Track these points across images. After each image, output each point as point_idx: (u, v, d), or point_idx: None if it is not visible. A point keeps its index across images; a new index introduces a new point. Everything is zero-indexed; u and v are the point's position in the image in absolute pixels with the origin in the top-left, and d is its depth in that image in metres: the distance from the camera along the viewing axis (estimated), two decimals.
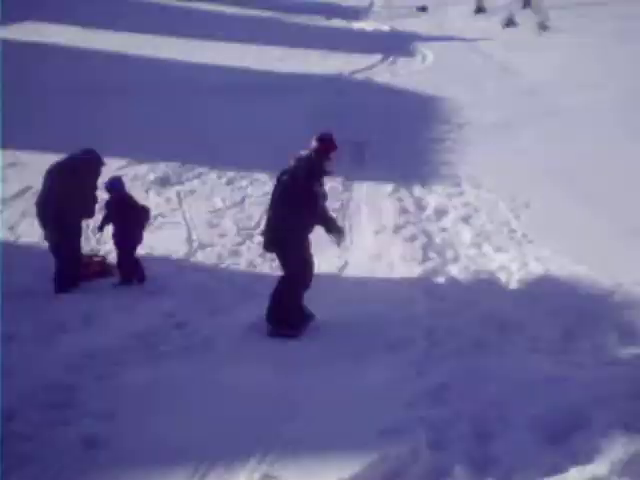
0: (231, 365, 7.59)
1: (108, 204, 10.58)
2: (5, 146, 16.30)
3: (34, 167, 15.29)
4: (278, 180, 8.20)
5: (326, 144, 8.03)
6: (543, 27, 35.06)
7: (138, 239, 10.65)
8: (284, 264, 8.10)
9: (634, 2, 40.55)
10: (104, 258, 11.08)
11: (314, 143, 8.09)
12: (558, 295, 9.24)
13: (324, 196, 8.13)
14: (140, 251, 10.78)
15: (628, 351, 7.55)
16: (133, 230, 10.58)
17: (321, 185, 8.15)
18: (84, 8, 40.58)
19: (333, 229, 8.31)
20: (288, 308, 8.13)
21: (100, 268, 10.84)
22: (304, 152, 8.18)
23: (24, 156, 16.06)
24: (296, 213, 7.78)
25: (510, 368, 6.85)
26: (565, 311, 8.64)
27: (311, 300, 8.87)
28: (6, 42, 28.51)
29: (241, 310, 9.31)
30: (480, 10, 44.11)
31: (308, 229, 8.06)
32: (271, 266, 11.27)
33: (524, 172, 15.52)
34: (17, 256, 11.23)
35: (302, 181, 7.85)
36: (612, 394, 6.13)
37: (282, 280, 8.15)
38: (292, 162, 8.12)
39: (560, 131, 18.47)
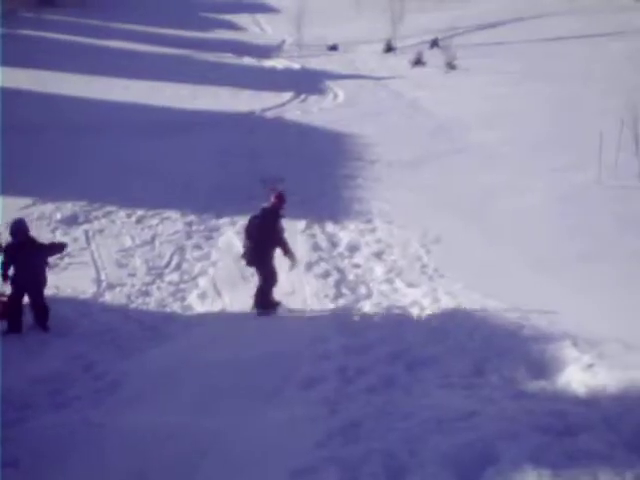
0: (140, 408, 7.38)
1: (10, 247, 10.18)
2: None
3: None
4: (250, 222, 11.31)
5: (281, 198, 11.46)
6: (451, 66, 35.84)
7: (45, 281, 10.32)
8: (261, 273, 11.24)
9: (535, 42, 42.01)
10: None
11: (273, 199, 11.39)
12: (468, 329, 9.32)
13: (283, 230, 11.44)
14: (46, 292, 10.47)
15: (535, 384, 7.64)
16: (41, 272, 10.25)
17: (280, 223, 11.39)
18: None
19: (289, 253, 11.37)
20: (266, 299, 11.11)
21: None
22: (266, 204, 11.37)
23: None
24: (267, 241, 11.13)
25: (420, 405, 6.84)
26: (475, 345, 8.72)
27: (222, 338, 8.73)
28: None
29: (151, 351, 9.10)
30: (390, 49, 44.83)
31: (274, 251, 11.30)
32: (181, 305, 11.12)
33: (434, 207, 15.75)
34: None
35: (270, 221, 11.18)
36: (521, 428, 6.18)
37: (260, 283, 11.22)
38: (259, 212, 11.33)
39: (467, 167, 18.82)
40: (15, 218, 10.63)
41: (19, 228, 10.28)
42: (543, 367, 8.05)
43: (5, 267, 10.27)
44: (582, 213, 15.30)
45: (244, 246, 11.42)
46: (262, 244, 11.04)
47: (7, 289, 11.00)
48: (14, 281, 10.19)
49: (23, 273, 10.10)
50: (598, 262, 12.50)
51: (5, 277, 10.29)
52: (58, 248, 10.95)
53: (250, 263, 11.32)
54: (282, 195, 11.53)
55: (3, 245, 10.38)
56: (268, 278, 11.10)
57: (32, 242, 10.38)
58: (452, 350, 8.57)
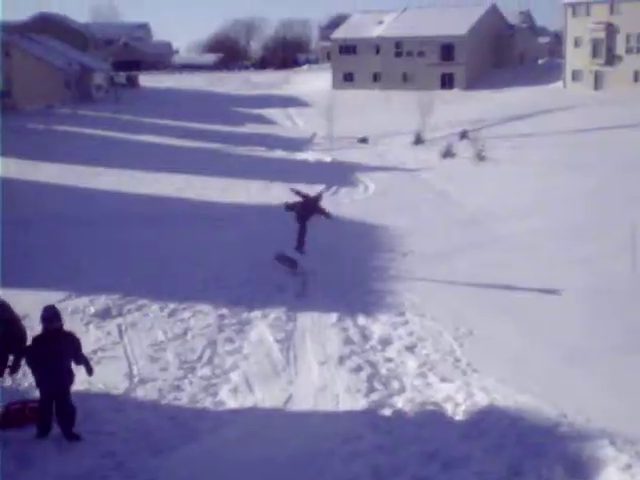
0: None
1: (38, 339, 9.60)
2: None
3: None
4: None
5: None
6: (480, 158, 36.18)
7: (72, 379, 9.81)
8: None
9: (562, 134, 42.37)
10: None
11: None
12: (503, 426, 9.18)
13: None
14: (79, 387, 10.49)
15: None
16: (68, 369, 9.67)
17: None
18: (24, 141, 40.98)
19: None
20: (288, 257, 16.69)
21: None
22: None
23: None
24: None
25: None
26: (511, 443, 8.58)
27: (254, 436, 8.65)
28: None
29: (182, 449, 9.02)
30: (419, 141, 45.45)
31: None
32: (213, 401, 11.07)
33: (466, 300, 15.70)
34: None
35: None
36: None
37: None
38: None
39: (498, 258, 18.82)
40: (47, 305, 10.17)
41: (53, 315, 9.75)
42: (581, 467, 7.89)
43: (27, 361, 9.67)
44: (615, 303, 15.20)
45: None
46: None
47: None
48: (40, 380, 9.59)
49: (49, 370, 9.50)
50: (633, 354, 12.35)
51: (15, 369, 9.73)
52: (87, 362, 10.01)
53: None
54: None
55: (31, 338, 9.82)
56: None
57: (65, 334, 9.82)
58: (488, 449, 8.44)
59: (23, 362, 9.74)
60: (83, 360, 9.87)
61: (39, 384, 9.60)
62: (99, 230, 21.64)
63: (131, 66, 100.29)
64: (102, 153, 38.08)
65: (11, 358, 9.80)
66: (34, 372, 9.72)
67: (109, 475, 8.31)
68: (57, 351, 9.49)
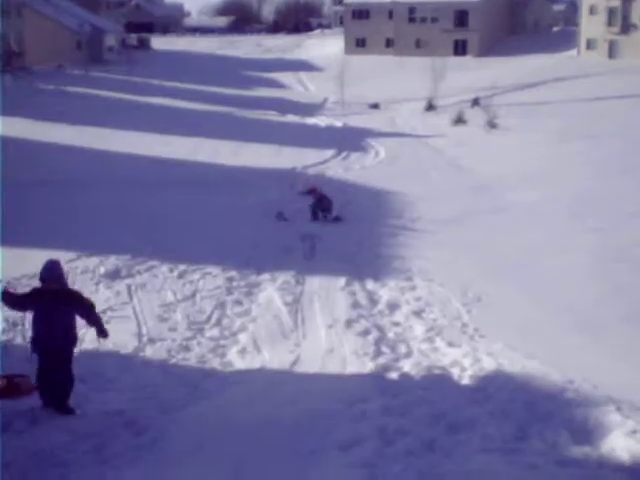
0: (179, 470, 7.34)
1: (34, 293, 8.97)
2: None
3: None
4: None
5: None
6: (492, 125, 35.99)
7: (74, 341, 9.14)
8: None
9: (575, 102, 42.05)
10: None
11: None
12: (510, 391, 9.20)
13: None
14: (87, 346, 10.54)
15: (580, 450, 7.50)
16: (69, 330, 8.96)
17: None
18: (34, 101, 40.90)
19: None
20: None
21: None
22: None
23: None
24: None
25: (460, 471, 6.72)
26: (517, 408, 8.60)
27: (261, 396, 8.70)
28: None
29: (191, 409, 9.07)
30: (431, 108, 45.23)
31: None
32: (221, 362, 11.12)
33: (475, 266, 15.71)
34: None
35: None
36: None
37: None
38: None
39: (509, 226, 18.81)
40: (49, 260, 9.25)
41: (51, 272, 8.93)
42: (586, 432, 7.90)
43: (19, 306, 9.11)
44: (627, 274, 15.16)
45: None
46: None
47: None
48: (34, 338, 8.93)
49: (44, 328, 8.79)
50: None
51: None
52: (98, 323, 9.26)
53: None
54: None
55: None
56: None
57: (69, 294, 9.13)
58: (494, 413, 8.45)
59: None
60: (94, 322, 9.15)
61: (33, 342, 8.92)
62: (109, 192, 21.65)
63: (143, 28, 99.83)
64: (112, 115, 37.97)
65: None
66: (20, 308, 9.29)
67: (119, 433, 8.36)
68: (54, 309, 8.76)
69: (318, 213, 20.06)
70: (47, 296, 8.80)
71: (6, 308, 9.46)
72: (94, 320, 9.17)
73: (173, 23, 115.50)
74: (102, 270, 14.92)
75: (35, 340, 8.88)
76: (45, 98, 43.25)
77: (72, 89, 47.75)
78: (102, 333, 9.21)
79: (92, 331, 10.80)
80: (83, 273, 14.66)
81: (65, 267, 9.55)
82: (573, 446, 7.62)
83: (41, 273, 8.96)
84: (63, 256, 15.23)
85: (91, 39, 72.49)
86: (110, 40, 76.87)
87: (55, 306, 8.77)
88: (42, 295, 8.87)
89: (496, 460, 7.14)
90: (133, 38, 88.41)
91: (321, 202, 20.25)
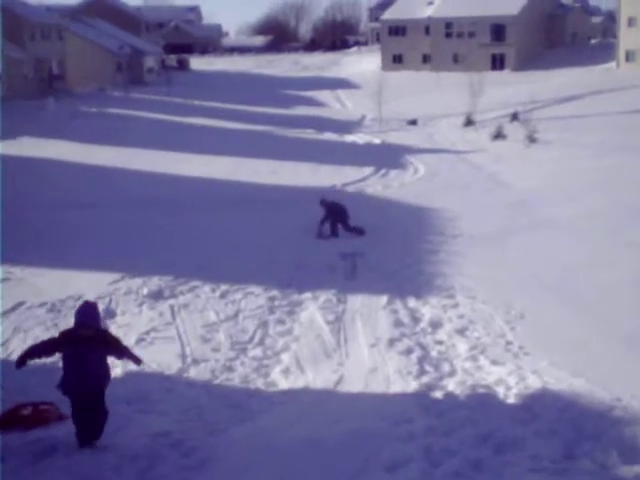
0: None
1: (64, 335, 8.59)
2: None
3: (28, 282, 15.35)
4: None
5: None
6: (531, 139, 35.76)
7: (107, 379, 8.79)
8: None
9: (613, 115, 41.67)
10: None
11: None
12: (556, 410, 9.11)
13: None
14: (132, 367, 10.62)
15: (630, 470, 7.40)
16: (99, 369, 8.59)
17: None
18: (77, 124, 41.57)
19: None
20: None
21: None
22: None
23: (17, 271, 16.05)
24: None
25: None
26: (564, 427, 8.51)
27: (306, 416, 8.71)
28: (3, 157, 29.04)
29: (236, 430, 9.11)
30: (469, 123, 45.06)
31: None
32: (265, 382, 11.16)
33: (517, 282, 15.59)
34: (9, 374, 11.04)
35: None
36: None
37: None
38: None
39: (549, 241, 18.65)
40: (84, 302, 9.02)
41: (88, 317, 8.50)
42: (636, 451, 7.80)
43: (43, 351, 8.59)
44: None
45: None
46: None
47: None
48: (65, 386, 8.53)
49: (75, 374, 8.42)
50: None
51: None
52: (132, 356, 8.99)
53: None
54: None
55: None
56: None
57: (101, 337, 8.63)
58: (540, 432, 8.37)
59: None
60: (127, 355, 8.89)
61: (63, 386, 8.54)
62: (150, 213, 21.86)
63: (182, 49, 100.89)
64: (154, 136, 38.40)
65: None
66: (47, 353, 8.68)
67: (165, 454, 8.41)
68: (87, 356, 8.39)
69: (336, 226, 20.01)
70: (80, 341, 8.34)
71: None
72: (127, 357, 8.92)
73: (211, 43, 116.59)
74: (145, 291, 15.06)
75: (66, 386, 8.48)
76: (88, 120, 43.92)
77: (114, 111, 48.41)
78: (137, 362, 9.01)
79: (136, 352, 10.93)
80: (126, 294, 14.81)
81: (100, 310, 9.07)
82: (623, 466, 7.52)
83: (77, 317, 8.54)
84: (107, 277, 15.53)
85: (131, 61, 73.51)
86: (150, 61, 77.84)
87: (88, 353, 8.36)
88: (75, 340, 8.39)
89: None
90: (172, 59, 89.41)
91: (332, 211, 20.18)
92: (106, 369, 8.70)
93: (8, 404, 9.39)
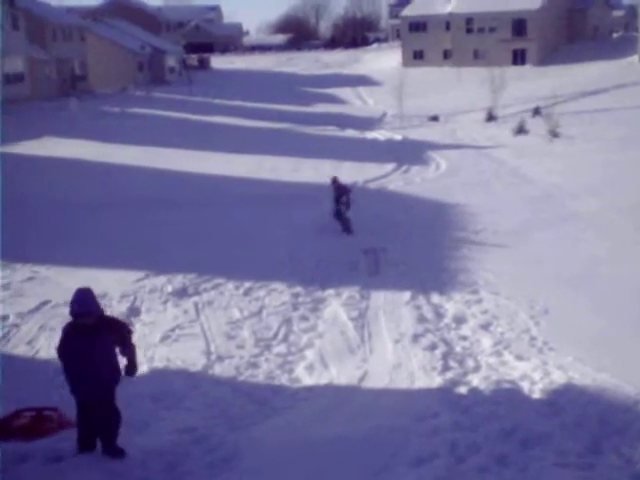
0: None
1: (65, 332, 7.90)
2: (23, 260, 16.48)
3: (52, 281, 15.47)
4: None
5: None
6: (554, 134, 35.57)
7: (118, 376, 8.16)
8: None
9: (636, 109, 41.34)
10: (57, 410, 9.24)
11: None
12: (582, 405, 9.08)
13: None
14: (157, 364, 10.69)
15: None
16: (108, 365, 7.96)
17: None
18: (100, 124, 41.81)
19: None
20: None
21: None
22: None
23: (43, 270, 16.18)
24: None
25: None
26: (590, 422, 8.48)
27: (331, 412, 8.71)
28: (23, 157, 29.29)
29: (261, 426, 9.15)
30: (491, 118, 44.89)
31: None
32: (289, 378, 11.19)
33: (541, 278, 15.53)
34: (35, 372, 11.15)
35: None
36: None
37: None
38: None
39: (573, 236, 18.57)
40: (77, 289, 7.99)
41: (85, 305, 7.73)
42: None
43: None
44: None
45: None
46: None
47: None
48: (72, 386, 7.99)
49: (83, 374, 7.83)
50: None
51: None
52: (131, 358, 8.19)
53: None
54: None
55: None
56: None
57: (104, 322, 7.95)
58: (566, 427, 8.35)
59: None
60: (128, 352, 8.12)
61: (72, 390, 8.02)
62: (172, 211, 21.94)
63: (202, 48, 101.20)
64: (175, 135, 38.55)
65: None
66: (65, 374, 8.01)
67: (190, 450, 8.46)
68: (92, 348, 7.73)
69: (349, 223, 19.80)
70: (83, 333, 7.69)
71: None
72: (128, 351, 8.11)
73: (232, 42, 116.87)
74: (169, 288, 15.13)
75: (72, 388, 7.98)
76: (110, 120, 44.17)
77: (135, 110, 48.65)
78: (131, 368, 8.18)
79: (161, 349, 11.03)
80: (151, 292, 14.89)
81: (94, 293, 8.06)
82: None
83: (72, 308, 7.71)
84: (132, 276, 15.63)
85: (152, 60, 73.89)
86: (171, 61, 78.18)
87: (93, 349, 7.70)
88: (77, 333, 7.73)
89: (572, 475, 7.05)
90: (193, 58, 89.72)
91: (340, 192, 20.35)
92: (116, 365, 8.04)
93: (10, 406, 9.18)
